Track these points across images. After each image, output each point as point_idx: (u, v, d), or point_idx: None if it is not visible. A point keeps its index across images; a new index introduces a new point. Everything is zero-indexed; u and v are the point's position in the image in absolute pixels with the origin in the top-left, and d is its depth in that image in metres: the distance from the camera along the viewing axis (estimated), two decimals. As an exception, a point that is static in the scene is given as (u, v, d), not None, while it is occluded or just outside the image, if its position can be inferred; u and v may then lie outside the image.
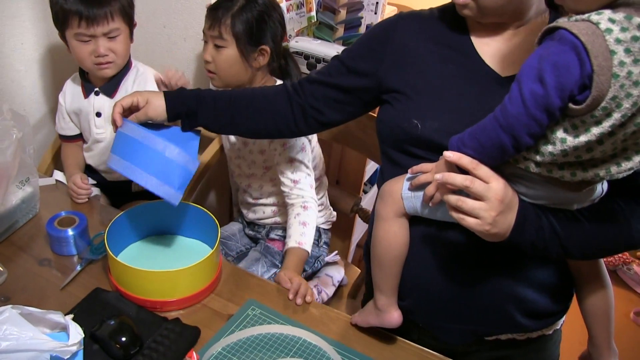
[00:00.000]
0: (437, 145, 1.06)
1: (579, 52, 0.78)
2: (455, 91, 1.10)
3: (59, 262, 1.29)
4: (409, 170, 1.08)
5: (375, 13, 2.17)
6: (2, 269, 1.21)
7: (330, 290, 1.72)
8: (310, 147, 1.62)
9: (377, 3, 2.15)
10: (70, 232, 1.29)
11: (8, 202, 1.30)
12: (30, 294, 1.18)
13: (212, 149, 1.88)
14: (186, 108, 1.29)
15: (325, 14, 2.05)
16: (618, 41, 0.77)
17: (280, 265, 1.62)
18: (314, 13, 2.07)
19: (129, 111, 1.28)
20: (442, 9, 1.19)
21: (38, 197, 1.41)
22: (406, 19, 1.22)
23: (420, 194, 1.05)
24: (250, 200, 1.75)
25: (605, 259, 2.87)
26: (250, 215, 1.78)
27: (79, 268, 1.26)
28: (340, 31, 2.09)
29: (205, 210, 1.33)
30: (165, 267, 1.17)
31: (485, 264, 1.09)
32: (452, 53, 1.13)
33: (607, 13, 0.78)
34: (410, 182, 1.07)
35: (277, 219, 1.75)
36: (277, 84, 1.63)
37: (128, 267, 1.16)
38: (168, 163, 1.21)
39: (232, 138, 1.70)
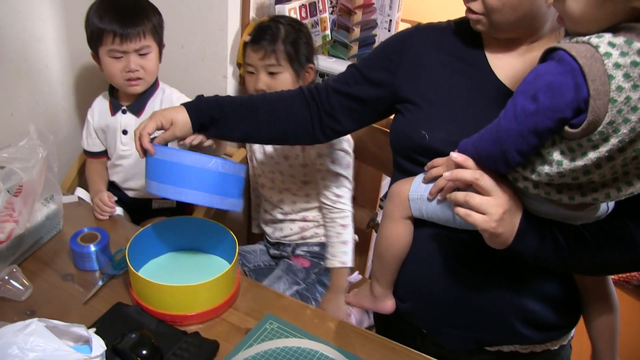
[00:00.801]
0: (444, 155, 1.07)
1: (576, 75, 0.78)
2: (464, 103, 1.12)
3: (82, 277, 1.32)
4: (426, 167, 1.10)
5: (389, 30, 2.21)
6: (27, 284, 1.24)
7: (362, 318, 1.69)
8: (352, 163, 1.66)
9: (390, 21, 2.18)
10: (92, 247, 1.32)
11: (34, 219, 1.33)
12: (54, 308, 1.22)
13: (237, 157, 1.90)
14: (209, 117, 1.28)
15: (340, 32, 2.09)
16: (617, 66, 0.76)
17: (302, 283, 1.64)
18: (328, 31, 2.10)
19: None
20: (459, 22, 1.21)
21: (62, 214, 1.45)
22: (423, 30, 1.24)
23: (426, 196, 1.07)
24: (280, 216, 1.76)
25: (631, 275, 2.83)
26: (277, 234, 1.78)
27: (100, 283, 1.29)
28: (355, 49, 2.13)
29: (224, 226, 1.35)
30: (185, 282, 1.19)
31: (488, 271, 1.09)
32: (465, 66, 1.15)
33: (608, 37, 0.78)
34: (420, 182, 1.09)
35: (305, 234, 1.75)
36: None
37: (149, 282, 1.18)
38: (224, 177, 1.23)
39: (269, 150, 1.71)
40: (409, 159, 1.19)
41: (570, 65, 0.79)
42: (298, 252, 1.76)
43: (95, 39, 1.56)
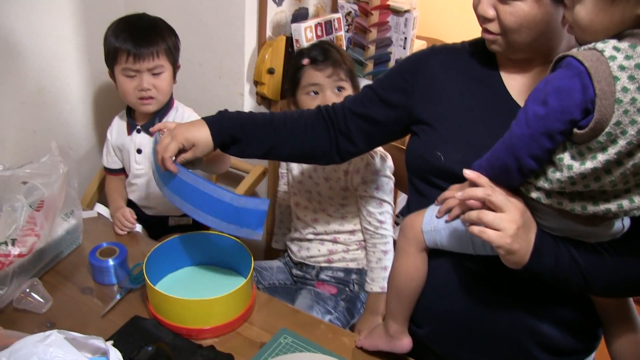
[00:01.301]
0: (459, 177, 1.06)
1: (582, 77, 0.81)
2: (479, 125, 1.12)
3: (100, 290, 1.34)
4: (437, 200, 1.11)
5: (404, 48, 2.22)
6: (48, 297, 1.26)
7: None
8: (393, 187, 1.68)
9: (405, 38, 2.20)
10: (110, 262, 1.34)
11: (54, 233, 1.36)
12: (73, 320, 1.24)
13: (254, 174, 1.92)
14: (231, 137, 1.27)
15: (355, 50, 2.11)
16: (622, 68, 0.79)
17: (333, 312, 1.63)
18: (344, 49, 2.13)
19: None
20: (473, 42, 1.21)
21: (81, 229, 1.47)
22: (438, 51, 1.25)
23: (440, 227, 1.08)
24: (310, 235, 1.75)
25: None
26: (302, 254, 1.77)
27: (118, 297, 1.31)
28: (370, 66, 2.15)
29: (240, 242, 1.37)
30: (201, 296, 1.21)
31: (504, 295, 1.09)
32: (480, 87, 1.15)
33: (612, 42, 0.81)
34: (432, 213, 1.09)
35: (332, 258, 1.75)
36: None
37: (165, 296, 1.20)
38: (240, 211, 1.22)
39: (309, 171, 1.71)
40: (425, 181, 1.20)
41: (577, 69, 0.82)
42: (322, 276, 1.75)
43: (111, 57, 1.61)
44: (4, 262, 1.19)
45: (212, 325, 1.22)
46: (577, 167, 0.86)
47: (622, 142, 0.82)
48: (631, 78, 0.79)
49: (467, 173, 0.97)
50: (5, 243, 1.20)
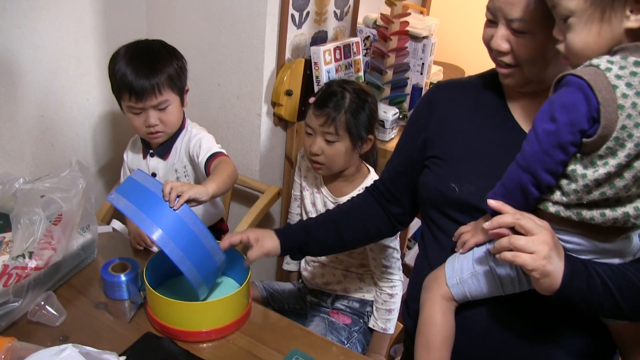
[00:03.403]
0: (474, 207, 1.08)
1: (584, 89, 0.87)
2: (492, 156, 1.13)
3: (113, 305, 1.34)
4: (454, 238, 1.11)
5: (421, 73, 2.24)
6: (62, 310, 1.26)
7: None
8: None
9: (422, 64, 2.22)
10: (122, 277, 1.34)
11: (70, 247, 1.37)
12: (86, 335, 1.24)
13: (269, 194, 1.93)
14: (298, 243, 1.35)
15: (373, 74, 2.13)
16: (618, 77, 0.86)
17: (345, 342, 1.64)
18: (361, 73, 2.15)
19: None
20: (481, 76, 1.23)
21: (97, 244, 1.48)
22: (444, 87, 1.27)
23: (465, 277, 1.07)
24: (323, 259, 1.75)
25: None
26: (317, 280, 1.77)
27: (132, 313, 1.31)
28: (387, 91, 2.16)
29: (240, 252, 1.37)
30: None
31: (520, 328, 1.08)
32: (488, 119, 1.17)
33: (606, 57, 0.90)
34: (452, 266, 1.09)
35: (347, 286, 1.75)
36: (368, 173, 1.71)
37: (163, 298, 1.22)
38: (216, 271, 1.29)
39: (318, 207, 1.73)
40: (440, 212, 1.20)
41: (578, 84, 0.88)
42: (338, 305, 1.75)
43: (115, 93, 1.58)
44: (21, 275, 1.19)
45: (206, 329, 1.23)
46: (591, 174, 0.90)
47: (629, 145, 0.87)
48: (628, 85, 0.86)
49: (492, 203, 0.98)
50: (23, 256, 1.21)
